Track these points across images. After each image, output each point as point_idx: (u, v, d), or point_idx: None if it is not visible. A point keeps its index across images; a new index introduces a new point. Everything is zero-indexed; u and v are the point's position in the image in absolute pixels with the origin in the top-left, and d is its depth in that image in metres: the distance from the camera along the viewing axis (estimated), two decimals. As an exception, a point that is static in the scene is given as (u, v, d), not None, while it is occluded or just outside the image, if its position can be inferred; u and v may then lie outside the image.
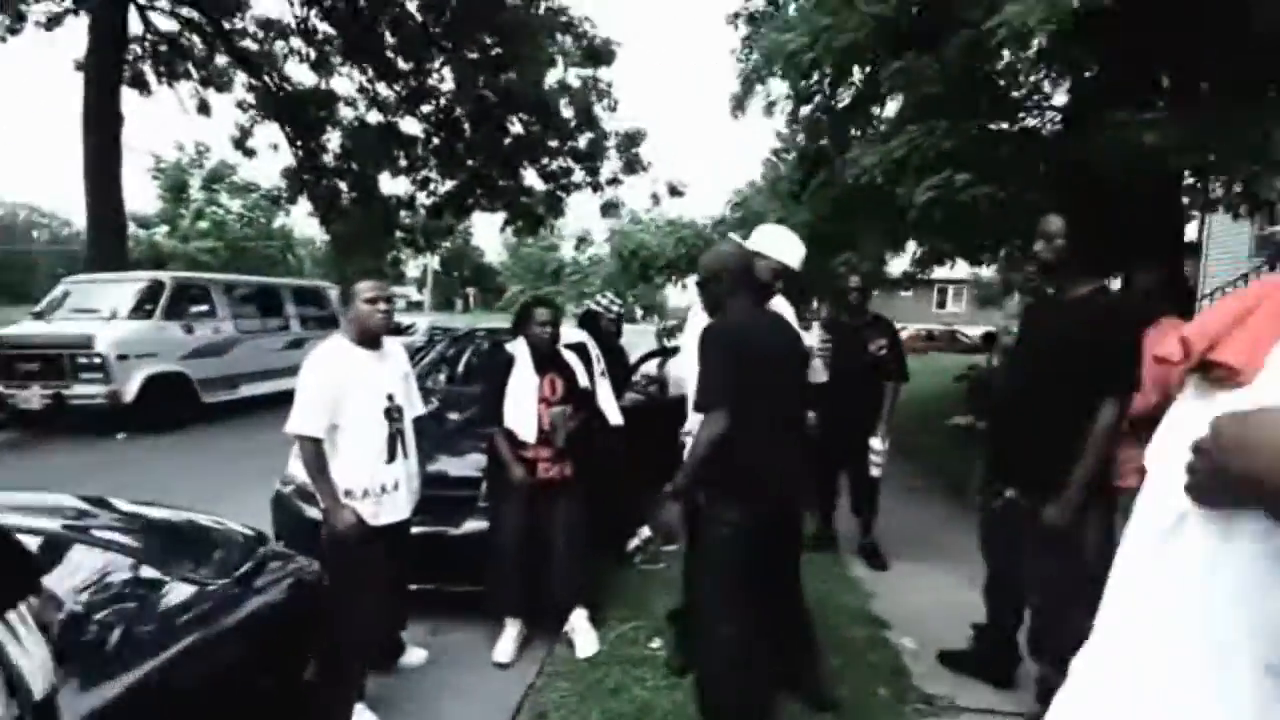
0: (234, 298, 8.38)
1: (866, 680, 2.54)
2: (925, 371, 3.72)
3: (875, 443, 3.62)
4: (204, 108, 13.45)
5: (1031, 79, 4.49)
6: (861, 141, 4.35)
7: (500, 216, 15.44)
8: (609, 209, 14.43)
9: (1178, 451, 0.93)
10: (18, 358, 6.77)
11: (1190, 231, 9.00)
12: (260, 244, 29.80)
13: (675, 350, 4.79)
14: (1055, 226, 2.01)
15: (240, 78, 13.42)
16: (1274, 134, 2.72)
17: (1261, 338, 0.78)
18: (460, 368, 4.93)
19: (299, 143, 13.73)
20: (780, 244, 2.47)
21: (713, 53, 11.51)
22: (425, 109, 13.81)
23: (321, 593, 1.71)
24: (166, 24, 12.42)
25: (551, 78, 13.48)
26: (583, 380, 2.98)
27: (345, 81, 13.79)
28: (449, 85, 13.41)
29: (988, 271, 14.35)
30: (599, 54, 13.20)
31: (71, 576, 1.44)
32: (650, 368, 4.63)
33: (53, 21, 11.44)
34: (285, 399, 2.37)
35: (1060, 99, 4.91)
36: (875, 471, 3.67)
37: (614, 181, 14.55)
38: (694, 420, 2.13)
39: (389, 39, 12.66)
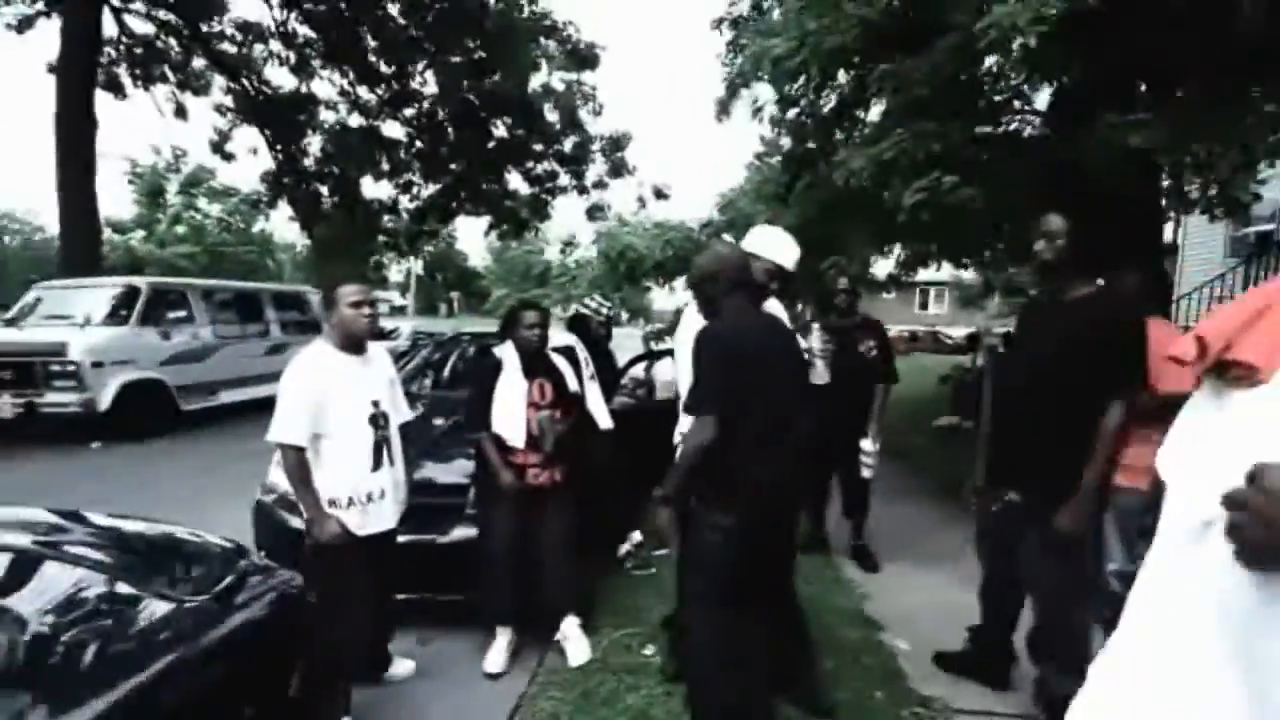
0: (212, 303, 8.22)
1: (862, 683, 2.52)
2: (909, 372, 3.75)
3: (866, 444, 3.61)
4: (181, 111, 13.26)
5: (1013, 82, 4.53)
6: (848, 145, 4.36)
7: (484, 220, 15.36)
8: (594, 212, 14.42)
9: (1195, 456, 0.91)
10: (-12, 366, 6.58)
11: (1165, 233, 9.16)
12: (240, 249, 29.41)
13: (663, 354, 4.77)
14: (1056, 225, 1.99)
15: (218, 81, 13.25)
16: (1257, 132, 2.77)
17: None
18: (446, 373, 4.87)
19: (279, 146, 13.56)
20: (775, 244, 2.45)
21: (697, 57, 11.54)
22: (408, 112, 13.71)
23: (305, 607, 1.65)
24: (142, 26, 12.25)
25: (536, 81, 13.45)
26: (572, 384, 2.94)
27: (326, 85, 13.69)
28: (432, 89, 13.32)
29: (969, 274, 14.52)
30: (583, 58, 13.18)
31: (41, 595, 1.37)
32: (638, 371, 4.59)
33: (24, 24, 11.21)
34: (266, 406, 2.31)
35: (1042, 103, 4.97)
36: (866, 473, 3.66)
37: (599, 185, 14.55)
38: (686, 422, 2.10)
39: (370, 42, 12.54)
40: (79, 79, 9.87)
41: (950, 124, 3.60)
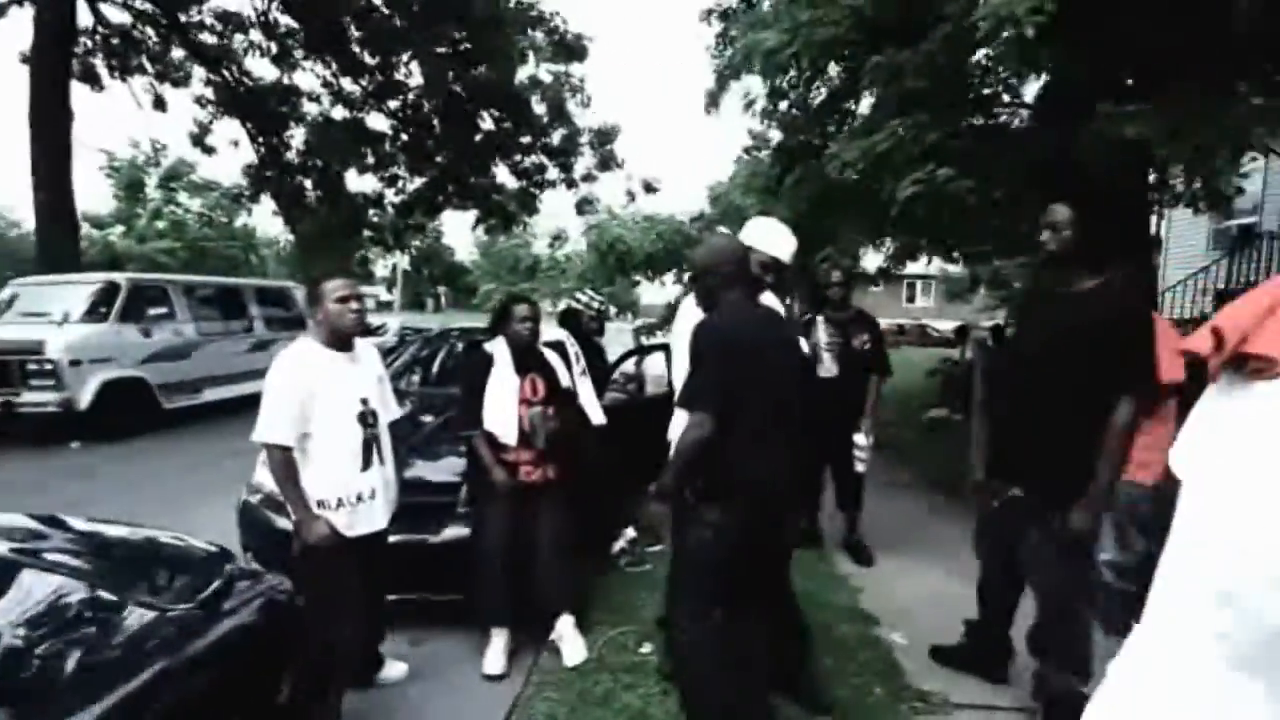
0: (194, 299, 8.08)
1: (861, 679, 2.51)
2: (898, 366, 3.76)
3: (859, 438, 3.60)
4: (160, 103, 12.93)
5: (1004, 74, 4.52)
6: (840, 137, 4.33)
7: (471, 214, 15.21)
8: (583, 206, 14.33)
9: (1213, 452, 0.89)
10: (-38, 365, 6.42)
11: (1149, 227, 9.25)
12: (222, 244, 28.94)
13: (653, 348, 4.73)
14: (1062, 216, 1.94)
15: (198, 72, 12.95)
16: (1250, 124, 2.77)
17: None
18: (435, 369, 4.80)
19: (261, 139, 13.32)
20: (771, 236, 2.42)
21: (686, 49, 11.48)
22: (393, 104, 13.50)
23: (293, 613, 1.60)
24: (118, 16, 11.93)
25: (523, 73, 13.31)
26: (564, 380, 2.90)
27: (309, 76, 13.44)
28: (417, 80, 13.12)
29: (956, 267, 14.59)
30: (571, 49, 13.05)
31: (18, 606, 1.32)
32: (629, 366, 4.56)
33: (-4, 13, 10.89)
34: (251, 403, 2.25)
35: (1031, 95, 4.97)
36: (860, 467, 3.65)
37: (588, 178, 14.45)
38: (680, 416, 2.07)
39: (354, 32, 12.33)
40: (53, 70, 9.61)
41: (943, 116, 3.58)
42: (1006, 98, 4.94)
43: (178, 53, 12.69)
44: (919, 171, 3.47)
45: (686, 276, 8.16)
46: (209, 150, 13.81)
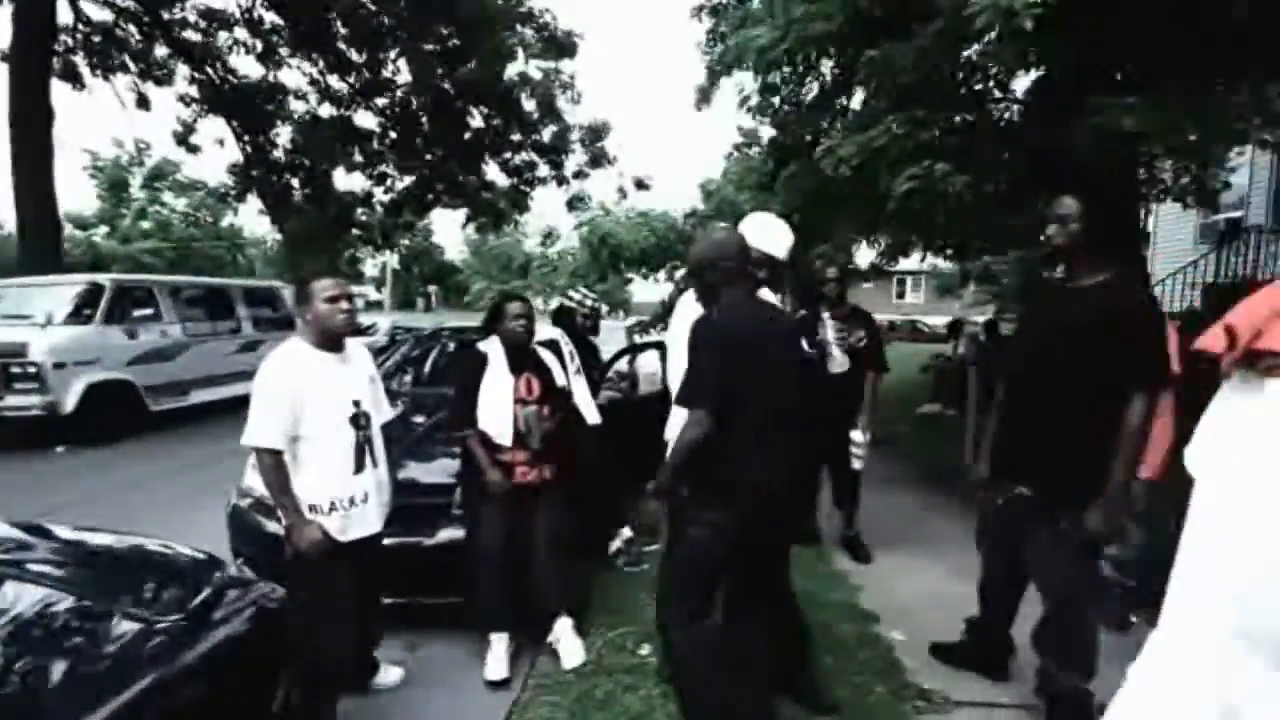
0: (181, 300, 7.96)
1: (861, 677, 2.49)
2: (890, 361, 3.74)
3: (856, 435, 3.59)
4: (143, 102, 12.73)
5: (994, 71, 4.52)
6: (834, 132, 4.31)
7: (461, 213, 15.09)
8: (575, 203, 14.24)
9: (1228, 449, 0.88)
10: (-57, 369, 6.29)
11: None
12: (208, 244, 28.63)
13: (647, 346, 4.70)
14: (1070, 208, 1.90)
15: (182, 70, 12.74)
16: (1247, 115, 2.77)
17: None
18: (427, 369, 4.75)
19: (246, 138, 13.13)
20: (767, 233, 2.38)
21: (677, 45, 11.44)
22: (381, 102, 13.36)
23: (285, 622, 1.56)
24: (99, 13, 11.73)
25: (512, 70, 13.20)
26: (559, 379, 2.87)
27: (295, 74, 13.31)
28: (405, 77, 12.99)
29: (946, 263, 14.65)
30: (561, 45, 12.96)
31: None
32: (622, 365, 4.53)
33: (-28, 10, 10.69)
34: (239, 405, 2.20)
35: (1021, 89, 4.97)
36: (857, 464, 3.64)
37: (579, 175, 14.35)
38: (677, 414, 2.04)
39: (341, 29, 12.19)
40: (33, 68, 9.45)
41: (939, 111, 3.56)
42: (998, 93, 4.94)
43: (161, 50, 12.49)
44: (915, 167, 3.45)
45: (680, 274, 8.15)
46: (194, 149, 13.61)
